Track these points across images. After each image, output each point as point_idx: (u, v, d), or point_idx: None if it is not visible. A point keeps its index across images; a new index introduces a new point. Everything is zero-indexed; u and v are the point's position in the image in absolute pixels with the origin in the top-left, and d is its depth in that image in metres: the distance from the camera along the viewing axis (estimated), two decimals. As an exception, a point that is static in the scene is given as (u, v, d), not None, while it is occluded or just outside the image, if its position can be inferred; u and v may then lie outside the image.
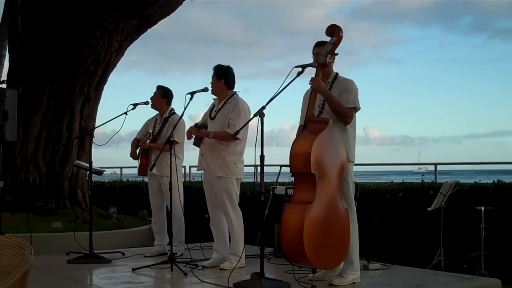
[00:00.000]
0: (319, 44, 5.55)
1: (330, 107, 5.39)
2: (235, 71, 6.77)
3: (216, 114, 6.62)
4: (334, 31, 5.36)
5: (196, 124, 6.61)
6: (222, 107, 6.62)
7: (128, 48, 11.76)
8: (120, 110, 7.60)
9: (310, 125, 5.26)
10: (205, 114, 6.88)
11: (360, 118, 5.66)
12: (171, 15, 11.53)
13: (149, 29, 11.70)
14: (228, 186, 6.53)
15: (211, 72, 6.74)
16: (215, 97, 6.80)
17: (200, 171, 6.94)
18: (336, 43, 5.37)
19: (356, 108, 5.49)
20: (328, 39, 5.40)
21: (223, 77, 6.67)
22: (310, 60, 5.48)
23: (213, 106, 6.79)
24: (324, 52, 5.36)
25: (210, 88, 6.69)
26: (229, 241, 6.72)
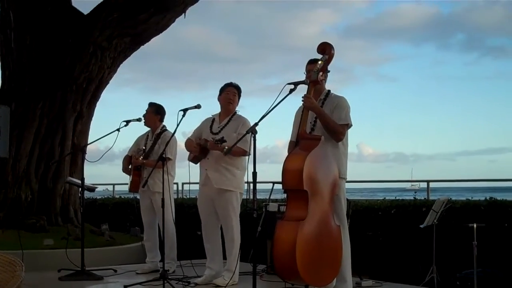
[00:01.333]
0: (312, 62, 5.56)
1: (322, 124, 5.40)
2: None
3: (220, 129, 6.64)
4: (325, 49, 5.38)
5: (220, 140, 6.36)
6: (227, 123, 6.67)
7: (121, 65, 11.78)
8: (113, 127, 7.61)
9: (302, 142, 5.26)
10: (198, 130, 6.87)
11: (353, 135, 5.67)
12: (164, 32, 11.58)
13: (143, 46, 11.74)
14: (234, 200, 6.56)
15: (224, 86, 6.84)
16: (214, 113, 6.84)
17: (192, 188, 6.92)
18: (327, 61, 5.38)
19: (348, 125, 5.50)
20: (320, 56, 5.42)
21: (239, 97, 6.85)
22: (303, 77, 5.50)
23: (212, 121, 6.81)
24: (316, 69, 5.37)
25: (223, 102, 6.78)
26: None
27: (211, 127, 6.75)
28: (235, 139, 6.44)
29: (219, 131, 6.61)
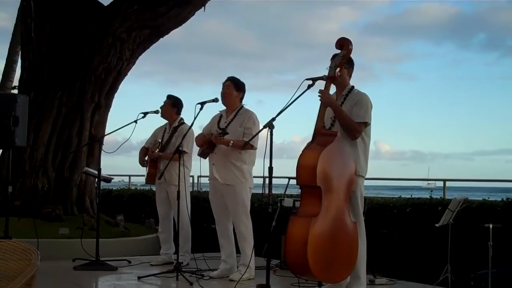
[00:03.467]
0: (333, 57, 5.52)
1: (338, 121, 5.35)
2: (247, 83, 6.86)
3: (227, 125, 6.63)
4: (343, 44, 5.34)
5: (222, 132, 6.44)
6: (233, 118, 6.64)
7: (140, 58, 11.82)
8: (131, 119, 7.63)
9: (319, 137, 5.22)
10: (208, 126, 6.87)
11: (371, 132, 5.59)
12: (184, 25, 11.59)
13: (162, 39, 11.75)
14: (243, 194, 6.55)
15: (224, 81, 6.77)
16: (223, 107, 6.82)
17: (209, 181, 6.93)
18: (345, 56, 5.32)
19: (366, 124, 5.41)
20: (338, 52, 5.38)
21: (242, 91, 6.78)
22: (322, 73, 5.45)
23: (219, 117, 6.80)
24: (333, 65, 5.33)
25: (220, 97, 6.71)
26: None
27: (218, 122, 6.74)
28: (241, 134, 6.45)
29: (226, 127, 6.60)
